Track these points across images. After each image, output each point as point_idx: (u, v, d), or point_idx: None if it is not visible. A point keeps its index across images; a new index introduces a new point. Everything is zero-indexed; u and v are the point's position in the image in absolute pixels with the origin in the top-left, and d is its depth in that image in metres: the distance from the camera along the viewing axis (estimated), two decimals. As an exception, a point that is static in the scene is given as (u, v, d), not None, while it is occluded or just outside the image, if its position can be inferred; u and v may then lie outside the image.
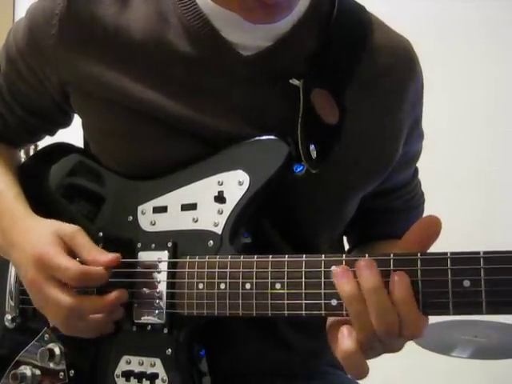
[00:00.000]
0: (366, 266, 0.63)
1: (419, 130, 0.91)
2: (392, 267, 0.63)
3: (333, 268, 0.65)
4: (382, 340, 0.64)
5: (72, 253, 0.76)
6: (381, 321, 0.62)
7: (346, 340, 0.65)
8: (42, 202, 0.87)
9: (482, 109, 2.10)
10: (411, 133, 0.88)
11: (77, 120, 0.90)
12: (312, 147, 0.74)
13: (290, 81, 0.76)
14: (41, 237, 0.76)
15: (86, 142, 0.89)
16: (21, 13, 0.88)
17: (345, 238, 1.00)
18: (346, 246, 1.01)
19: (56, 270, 0.73)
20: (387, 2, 1.65)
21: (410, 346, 1.81)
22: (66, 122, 0.93)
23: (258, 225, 0.77)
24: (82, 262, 0.75)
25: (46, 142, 0.96)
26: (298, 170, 0.75)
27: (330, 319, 0.69)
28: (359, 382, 0.95)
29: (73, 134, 0.95)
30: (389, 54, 0.83)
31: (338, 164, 0.79)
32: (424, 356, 1.66)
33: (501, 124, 2.11)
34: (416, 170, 0.97)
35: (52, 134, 0.95)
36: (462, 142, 2.09)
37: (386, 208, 0.95)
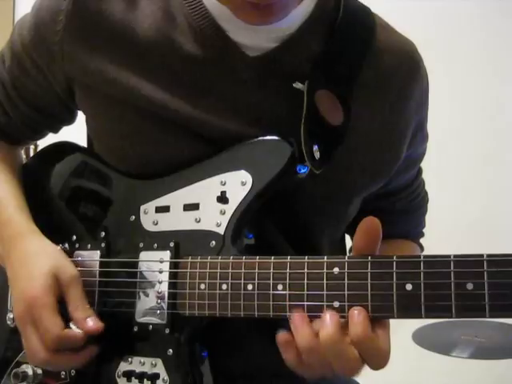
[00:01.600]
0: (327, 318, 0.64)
1: (424, 131, 0.91)
2: (395, 269, 0.63)
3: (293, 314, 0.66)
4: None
5: (63, 297, 0.76)
6: (340, 365, 0.64)
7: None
8: (45, 203, 0.87)
9: (483, 109, 2.10)
10: (416, 135, 0.88)
11: (81, 117, 0.89)
12: (315, 148, 0.74)
13: (294, 85, 0.76)
14: (38, 272, 0.76)
15: (89, 140, 0.89)
16: (21, 13, 0.87)
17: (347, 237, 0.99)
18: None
19: (39, 323, 0.75)
20: (389, 1, 1.65)
21: (410, 345, 1.81)
22: (70, 119, 0.92)
23: (261, 225, 0.77)
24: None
25: (49, 139, 0.96)
26: (302, 171, 0.75)
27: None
28: (360, 382, 0.95)
29: (76, 131, 0.94)
30: (393, 56, 0.83)
31: (342, 165, 0.79)
32: (424, 356, 1.66)
33: (502, 123, 2.11)
34: (419, 170, 0.97)
35: (56, 131, 0.95)
36: (462, 142, 2.09)
37: (388, 209, 0.95)
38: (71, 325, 0.75)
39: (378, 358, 0.65)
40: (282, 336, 0.67)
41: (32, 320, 0.75)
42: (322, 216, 0.82)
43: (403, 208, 0.96)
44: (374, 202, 0.90)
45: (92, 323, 0.75)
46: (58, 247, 0.81)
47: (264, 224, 0.78)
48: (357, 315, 0.63)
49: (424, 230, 1.05)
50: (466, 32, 2.13)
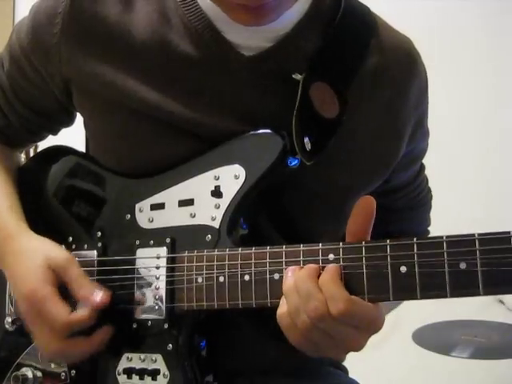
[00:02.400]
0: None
1: (424, 128, 0.91)
2: (389, 252, 0.64)
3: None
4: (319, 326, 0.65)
5: (63, 283, 0.76)
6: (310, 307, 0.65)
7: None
8: (41, 204, 0.88)
9: (482, 106, 2.10)
10: (415, 131, 0.87)
11: (79, 119, 0.90)
12: (306, 140, 0.75)
13: (293, 76, 0.76)
14: (31, 268, 0.77)
15: (87, 141, 0.90)
16: (21, 13, 0.89)
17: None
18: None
19: (44, 316, 0.75)
20: (388, 0, 1.65)
21: (410, 345, 1.81)
22: (68, 121, 0.93)
23: (256, 222, 0.78)
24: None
25: (48, 141, 0.96)
26: (293, 163, 0.75)
27: None
28: (360, 382, 0.95)
29: (75, 132, 0.95)
30: (391, 53, 0.83)
31: (339, 162, 0.79)
32: (424, 356, 1.66)
33: (501, 121, 2.11)
34: (422, 167, 0.97)
35: (55, 133, 0.96)
36: (461, 139, 2.09)
37: (390, 206, 0.94)
38: (78, 307, 0.75)
39: (337, 303, 0.64)
40: None
41: (37, 314, 0.75)
42: (319, 215, 0.83)
43: (406, 205, 0.96)
44: (377, 200, 0.90)
45: (99, 294, 0.75)
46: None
47: (259, 221, 0.78)
48: (329, 267, 0.66)
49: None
50: (466, 31, 2.13)
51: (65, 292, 0.76)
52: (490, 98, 2.10)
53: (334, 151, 0.77)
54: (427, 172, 0.99)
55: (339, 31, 0.81)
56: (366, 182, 0.85)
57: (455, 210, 1.96)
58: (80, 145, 0.91)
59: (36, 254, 0.78)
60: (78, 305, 0.76)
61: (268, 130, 0.76)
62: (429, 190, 1.01)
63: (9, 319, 0.87)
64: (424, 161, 0.96)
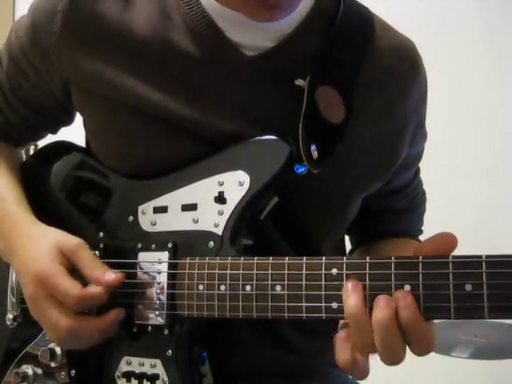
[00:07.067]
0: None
1: (423, 130, 0.91)
2: (393, 270, 0.63)
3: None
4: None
5: (73, 267, 0.75)
6: (383, 345, 0.63)
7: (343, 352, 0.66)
8: (43, 201, 0.87)
9: (483, 107, 2.10)
10: (415, 134, 0.87)
11: (79, 118, 0.89)
12: (313, 147, 0.74)
13: (296, 82, 0.76)
14: (42, 251, 0.76)
15: (87, 141, 0.89)
16: (21, 11, 0.87)
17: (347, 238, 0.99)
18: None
19: (55, 291, 0.73)
20: (387, 1, 1.64)
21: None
22: (68, 120, 0.92)
23: (259, 226, 0.77)
24: (84, 277, 0.75)
25: (47, 140, 0.95)
26: (300, 170, 0.74)
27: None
28: (360, 382, 0.95)
29: (75, 131, 0.95)
30: (392, 55, 0.83)
31: (341, 165, 0.78)
32: (424, 356, 1.66)
33: (501, 122, 2.11)
34: (418, 169, 0.97)
35: (54, 132, 0.95)
36: (462, 140, 2.09)
37: (388, 208, 0.94)
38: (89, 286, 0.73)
39: (425, 342, 0.64)
40: (339, 334, 0.66)
41: (46, 293, 0.74)
42: (321, 216, 0.82)
43: (404, 206, 0.96)
44: (376, 201, 0.90)
45: (113, 275, 0.74)
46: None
47: (263, 225, 0.78)
48: (403, 298, 0.62)
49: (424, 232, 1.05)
50: (465, 32, 2.12)
51: (74, 277, 0.74)
52: (491, 98, 2.08)
53: (336, 155, 0.76)
54: (428, 173, 0.99)
55: (340, 32, 0.80)
56: (368, 184, 0.85)
57: (454, 212, 1.96)
58: (79, 143, 0.90)
59: (46, 239, 0.77)
60: (89, 285, 0.74)
61: (274, 137, 0.75)
62: (424, 193, 1.01)
63: (10, 316, 0.87)
64: (426, 161, 0.96)
